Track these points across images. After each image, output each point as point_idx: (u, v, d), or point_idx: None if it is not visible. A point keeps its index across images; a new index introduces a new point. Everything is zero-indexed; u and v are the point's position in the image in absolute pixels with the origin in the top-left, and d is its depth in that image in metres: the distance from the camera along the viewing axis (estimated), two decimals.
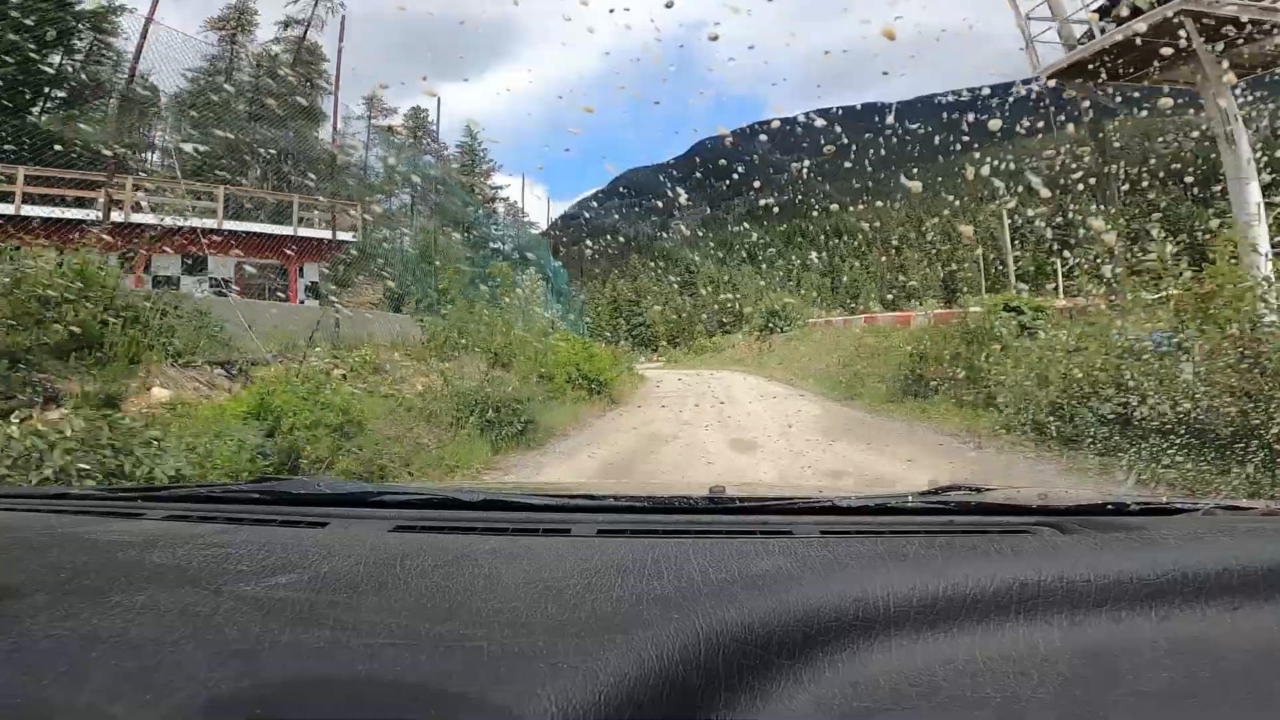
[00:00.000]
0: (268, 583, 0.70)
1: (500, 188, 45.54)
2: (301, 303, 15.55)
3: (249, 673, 0.51)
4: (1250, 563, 0.69)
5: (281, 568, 0.75)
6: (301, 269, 16.62)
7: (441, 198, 23.21)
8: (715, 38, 3.03)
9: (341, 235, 16.76)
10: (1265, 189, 7.49)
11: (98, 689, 0.49)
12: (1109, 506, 1.01)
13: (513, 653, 0.54)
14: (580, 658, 0.52)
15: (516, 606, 0.64)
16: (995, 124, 3.28)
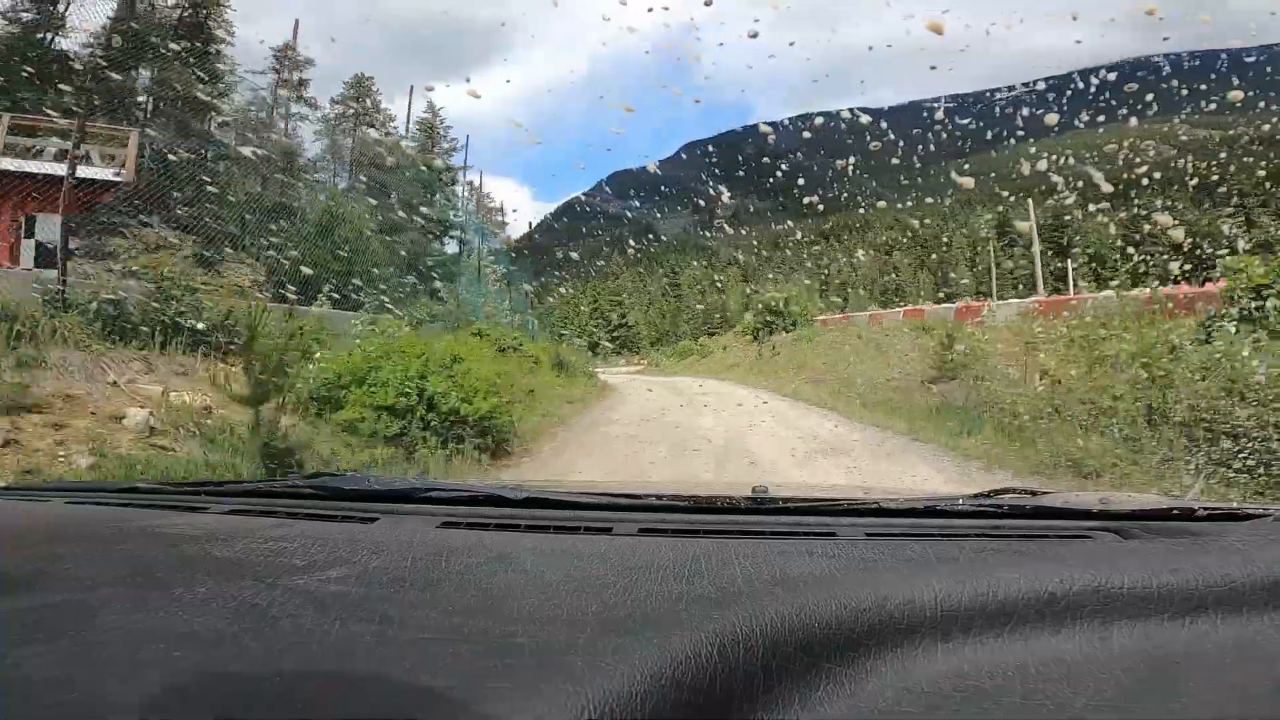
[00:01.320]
0: (320, 577, 0.72)
1: (463, 169, 41.87)
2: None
3: (302, 665, 0.53)
4: None
5: (333, 562, 0.77)
6: (27, 221, 11.08)
7: (388, 175, 20.39)
8: (756, 35, 3.01)
9: (92, 172, 10.60)
10: None
11: (158, 682, 0.51)
12: (1174, 511, 0.97)
13: (553, 650, 0.54)
14: (620, 656, 0.53)
15: (558, 604, 0.65)
16: (1052, 118, 3.16)
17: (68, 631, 0.57)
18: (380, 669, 0.52)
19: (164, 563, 0.80)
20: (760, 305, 29.68)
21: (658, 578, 0.70)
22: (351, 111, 33.36)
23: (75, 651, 0.54)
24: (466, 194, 45.28)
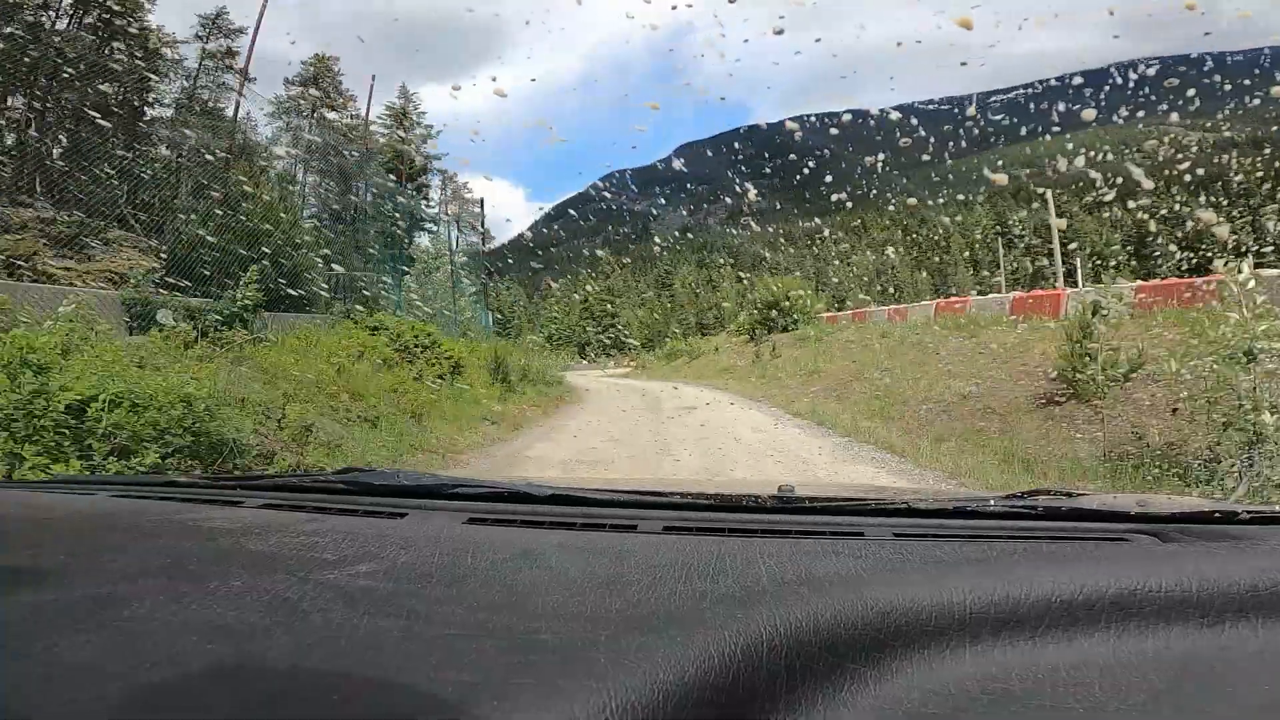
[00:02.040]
0: (350, 571, 0.74)
1: (436, 157, 38.85)
2: None
3: (330, 660, 0.54)
4: None
5: (363, 557, 0.79)
6: None
7: (344, 161, 17.69)
8: (780, 31, 2.98)
9: None
10: None
11: (194, 674, 0.52)
12: (1216, 514, 0.94)
13: (576, 647, 0.55)
14: (643, 654, 0.53)
15: (581, 601, 0.65)
16: (1090, 114, 3.08)
17: (110, 622, 0.59)
18: (406, 664, 0.53)
19: (200, 556, 0.82)
20: (756, 300, 26.80)
21: (682, 575, 0.70)
22: (310, 94, 31.51)
23: (118, 641, 0.56)
24: (440, 185, 41.07)
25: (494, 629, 0.59)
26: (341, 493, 1.22)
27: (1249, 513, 0.93)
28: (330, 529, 0.93)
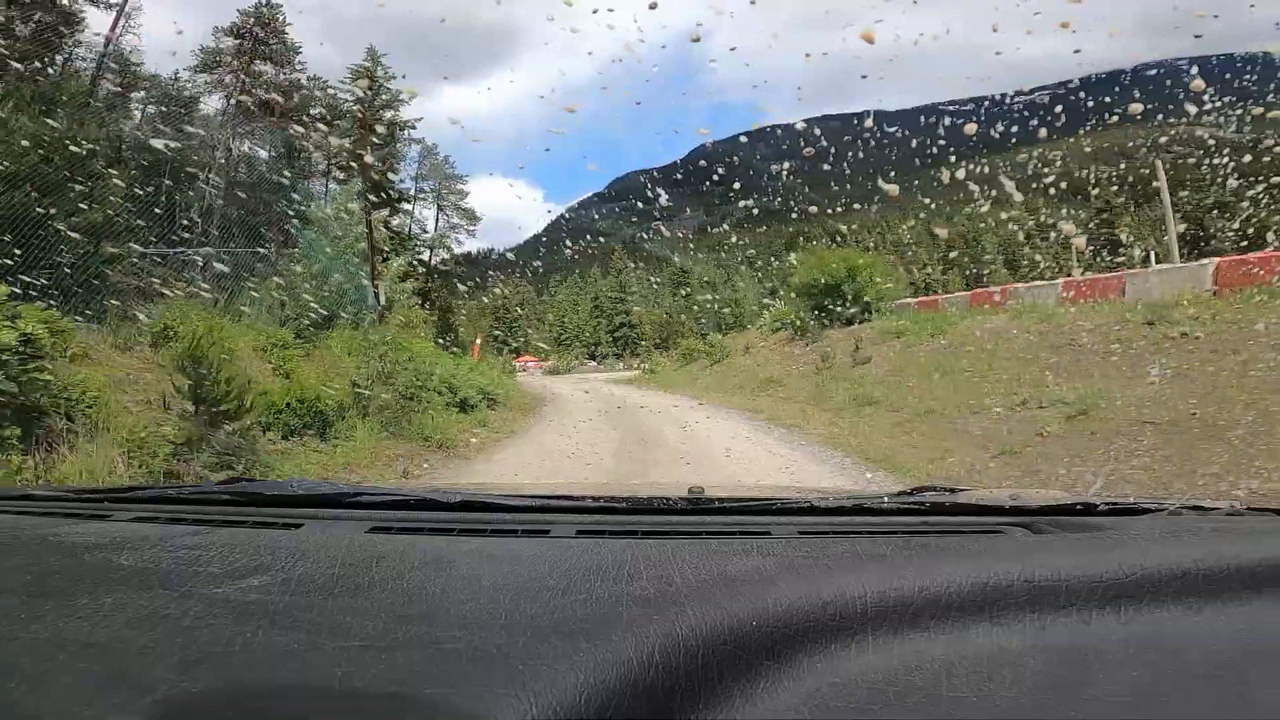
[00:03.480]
0: (240, 585, 0.69)
1: (408, 125, 36.94)
2: None
3: (221, 676, 0.51)
4: (1214, 563, 0.70)
5: (254, 569, 0.74)
6: None
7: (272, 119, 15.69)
8: (697, 39, 3.04)
9: None
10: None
11: (65, 693, 0.48)
12: (1078, 507, 1.03)
13: (491, 654, 0.54)
14: (560, 659, 0.52)
15: (495, 608, 0.64)
16: (971, 128, 3.33)
17: None
18: (309, 677, 0.51)
19: (63, 572, 0.76)
20: (802, 282, 19.30)
21: (597, 579, 0.70)
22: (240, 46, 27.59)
23: None
24: (418, 155, 39.99)
25: (404, 639, 0.57)
26: (227, 504, 1.14)
27: (1106, 504, 1.03)
28: (215, 542, 0.87)
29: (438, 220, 44.32)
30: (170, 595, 0.66)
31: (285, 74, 28.55)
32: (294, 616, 0.62)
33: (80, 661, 0.52)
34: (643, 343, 57.06)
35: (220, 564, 0.76)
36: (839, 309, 17.37)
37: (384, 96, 34.00)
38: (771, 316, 21.78)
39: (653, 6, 2.74)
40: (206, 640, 0.56)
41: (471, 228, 45.69)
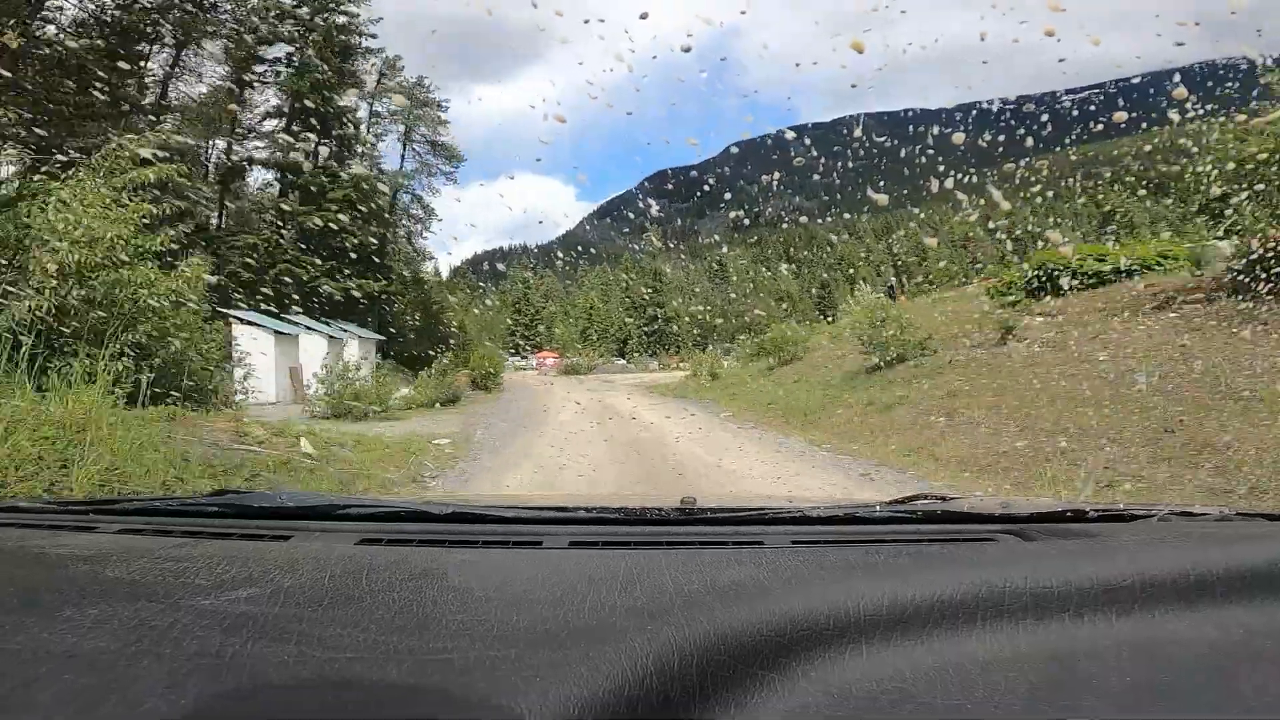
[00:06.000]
0: (228, 597, 0.69)
1: (364, 33, 33.04)
2: None
3: (209, 688, 0.50)
4: (1204, 568, 0.70)
5: (242, 581, 0.73)
6: None
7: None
8: (688, 49, 3.05)
9: None
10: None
11: (51, 705, 0.47)
12: (1068, 513, 1.04)
13: (483, 666, 0.53)
14: (552, 670, 0.52)
15: (487, 619, 0.63)
16: (959, 138, 3.36)
17: None
18: (297, 689, 0.50)
19: (49, 584, 0.75)
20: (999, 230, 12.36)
21: (589, 590, 0.70)
22: None
23: None
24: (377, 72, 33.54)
25: (395, 651, 0.57)
26: (215, 516, 1.13)
27: (1096, 511, 1.04)
28: (202, 554, 0.86)
29: (404, 158, 37.42)
30: (157, 607, 0.65)
31: None
32: (283, 628, 0.61)
33: (66, 673, 0.52)
34: (685, 341, 53.25)
35: (208, 576, 0.76)
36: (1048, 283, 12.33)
37: (376, 71, 30.54)
38: (853, 322, 14.45)
39: (643, 16, 2.76)
40: (194, 652, 0.56)
41: (450, 170, 38.48)
